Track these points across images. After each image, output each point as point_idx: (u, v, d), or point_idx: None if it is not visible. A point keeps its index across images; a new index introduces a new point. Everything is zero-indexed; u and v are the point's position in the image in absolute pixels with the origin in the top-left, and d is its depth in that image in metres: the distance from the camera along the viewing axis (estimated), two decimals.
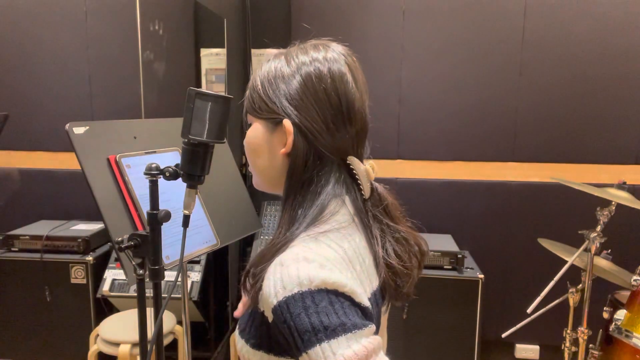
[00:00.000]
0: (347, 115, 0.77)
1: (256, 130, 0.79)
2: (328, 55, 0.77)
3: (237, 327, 0.78)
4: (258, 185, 0.85)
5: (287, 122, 0.75)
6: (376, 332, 0.71)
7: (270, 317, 0.67)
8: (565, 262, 1.93)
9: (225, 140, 1.66)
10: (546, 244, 2.16)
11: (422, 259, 0.83)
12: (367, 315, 0.66)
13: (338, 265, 0.67)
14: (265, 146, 0.79)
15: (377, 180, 0.82)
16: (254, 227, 1.72)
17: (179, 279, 1.81)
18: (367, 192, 0.78)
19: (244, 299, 0.99)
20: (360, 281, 0.71)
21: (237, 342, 0.76)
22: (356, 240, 0.74)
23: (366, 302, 0.67)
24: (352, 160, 0.77)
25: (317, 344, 0.61)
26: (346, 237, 0.73)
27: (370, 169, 0.78)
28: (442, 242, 2.55)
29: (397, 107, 2.72)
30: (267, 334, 0.71)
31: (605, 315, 1.99)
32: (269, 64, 0.79)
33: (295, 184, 0.76)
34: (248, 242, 2.80)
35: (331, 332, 0.61)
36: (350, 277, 0.67)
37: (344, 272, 0.67)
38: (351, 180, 0.79)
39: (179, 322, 2.17)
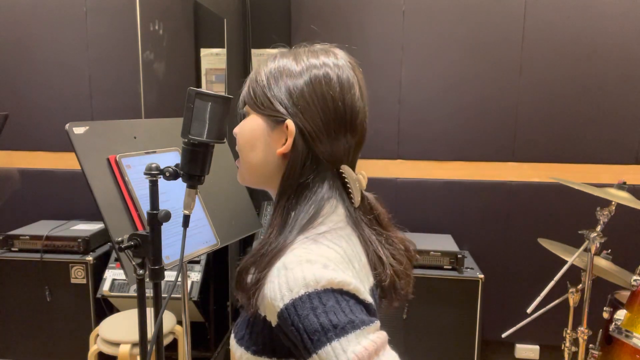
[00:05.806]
0: (350, 125, 0.77)
1: (254, 124, 0.79)
2: (339, 62, 0.77)
3: (234, 335, 0.76)
4: (244, 179, 0.84)
5: (290, 123, 0.74)
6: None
7: (274, 321, 0.67)
8: (565, 262, 1.93)
9: (225, 140, 1.66)
10: (546, 244, 2.16)
11: (411, 261, 0.86)
12: (370, 311, 0.67)
13: (340, 265, 0.68)
14: (263, 141, 0.78)
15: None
16: (254, 227, 1.72)
17: (179, 279, 1.81)
18: (357, 201, 0.78)
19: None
20: (360, 279, 0.72)
21: (235, 350, 0.74)
22: (353, 240, 0.75)
23: (369, 299, 0.68)
24: (345, 169, 0.78)
25: (328, 343, 0.61)
26: (343, 237, 0.74)
27: (362, 178, 0.79)
28: (442, 242, 2.55)
29: (397, 107, 2.72)
30: (270, 339, 0.70)
31: (605, 315, 1.99)
32: (277, 62, 0.78)
33: (291, 185, 0.76)
34: (248, 242, 2.80)
35: (340, 330, 0.61)
36: (351, 275, 0.68)
37: (345, 271, 0.67)
38: (343, 188, 0.79)
39: (179, 322, 2.17)
